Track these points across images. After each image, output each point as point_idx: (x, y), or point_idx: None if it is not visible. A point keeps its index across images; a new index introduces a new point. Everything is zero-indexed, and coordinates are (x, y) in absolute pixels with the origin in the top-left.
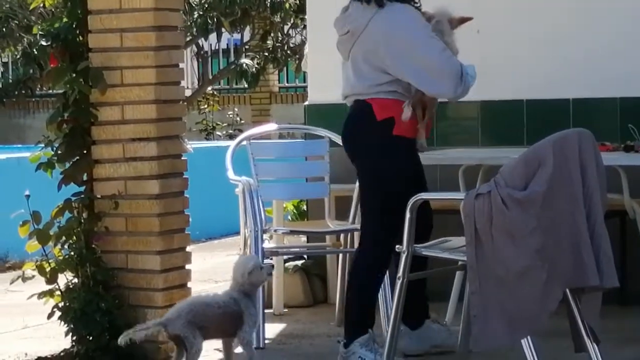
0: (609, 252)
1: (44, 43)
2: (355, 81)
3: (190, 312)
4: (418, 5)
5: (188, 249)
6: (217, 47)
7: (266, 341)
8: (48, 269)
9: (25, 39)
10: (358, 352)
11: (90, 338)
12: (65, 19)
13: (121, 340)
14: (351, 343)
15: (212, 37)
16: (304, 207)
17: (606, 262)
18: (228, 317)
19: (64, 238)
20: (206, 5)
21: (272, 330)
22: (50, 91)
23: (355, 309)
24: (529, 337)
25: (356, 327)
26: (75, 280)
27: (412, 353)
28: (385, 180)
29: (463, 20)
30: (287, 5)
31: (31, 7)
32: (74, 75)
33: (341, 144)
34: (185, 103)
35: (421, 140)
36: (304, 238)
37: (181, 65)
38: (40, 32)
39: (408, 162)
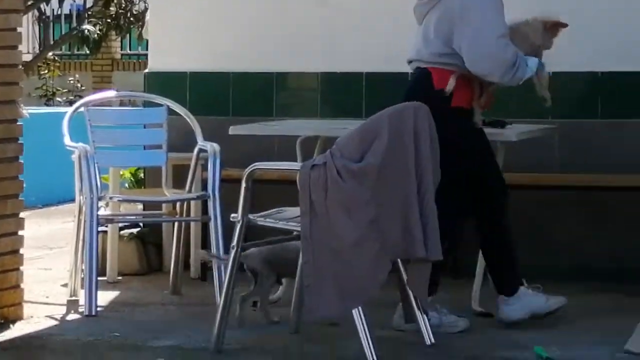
0: (437, 225)
1: None
2: (422, 47)
3: (270, 252)
4: None
5: (22, 215)
6: (59, 12)
7: (99, 308)
8: None
9: None
10: None
11: None
12: None
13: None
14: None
15: (54, 1)
16: (142, 175)
17: (433, 235)
18: None
19: None
20: None
21: (105, 297)
22: None
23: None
24: (360, 308)
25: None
26: None
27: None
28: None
29: (557, 24)
30: None
31: None
32: None
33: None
34: (23, 68)
35: (476, 115)
36: (140, 206)
37: (20, 29)
38: None
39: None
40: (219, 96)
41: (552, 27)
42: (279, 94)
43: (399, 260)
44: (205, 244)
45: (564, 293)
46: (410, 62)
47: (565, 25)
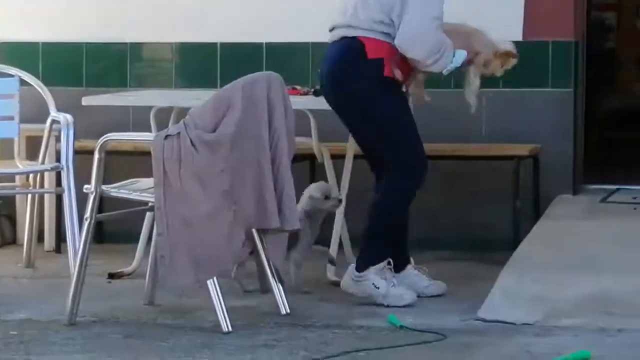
0: (293, 194)
1: None
2: (356, 12)
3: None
4: None
5: None
6: None
7: None
8: None
9: None
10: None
11: None
12: None
13: None
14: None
15: None
16: None
17: (289, 205)
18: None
19: None
20: None
21: None
22: None
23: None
24: (215, 278)
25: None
26: None
27: None
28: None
29: (508, 54)
30: None
31: None
32: None
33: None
34: None
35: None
36: None
37: None
38: None
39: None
40: (72, 67)
41: (502, 56)
42: (133, 65)
43: (254, 230)
44: (59, 216)
45: (417, 261)
46: (333, 29)
47: (515, 56)
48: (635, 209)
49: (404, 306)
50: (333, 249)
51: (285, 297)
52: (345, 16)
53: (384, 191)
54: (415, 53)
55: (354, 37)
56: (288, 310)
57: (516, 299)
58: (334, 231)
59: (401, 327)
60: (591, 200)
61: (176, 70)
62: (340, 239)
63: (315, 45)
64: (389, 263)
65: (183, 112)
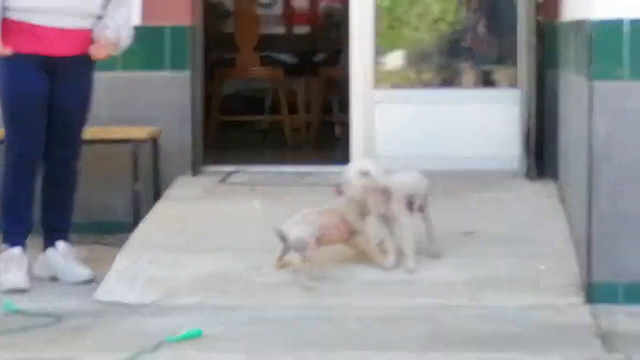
0: None
1: None
2: None
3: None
4: None
5: None
6: None
7: None
8: None
9: None
10: None
11: None
12: None
13: None
14: None
15: None
16: None
17: None
18: None
19: None
20: None
21: None
22: None
23: None
24: None
25: None
26: None
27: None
28: None
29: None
30: None
31: None
32: None
33: None
34: None
35: None
36: None
37: None
38: None
39: None
40: None
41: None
42: None
43: None
44: None
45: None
46: None
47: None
48: (252, 189)
49: (13, 291)
50: None
51: None
52: None
53: None
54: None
55: None
56: None
57: (132, 280)
58: None
59: (16, 311)
60: (210, 181)
61: None
62: None
63: None
64: None
65: None
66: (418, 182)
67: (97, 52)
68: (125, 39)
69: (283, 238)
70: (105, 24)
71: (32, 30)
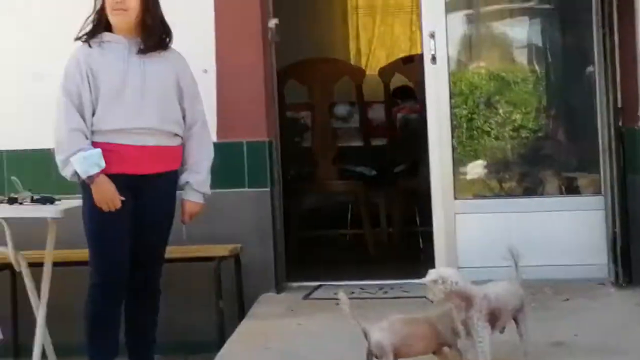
0: None
1: None
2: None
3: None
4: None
5: None
6: None
7: None
8: None
9: None
10: None
11: None
12: None
13: None
14: None
15: None
16: None
17: None
18: None
19: None
20: None
21: None
22: None
23: None
24: None
25: None
26: None
27: None
28: None
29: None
30: None
31: None
32: None
33: None
34: None
35: None
36: None
37: None
38: None
39: None
40: None
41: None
42: None
43: None
44: None
45: None
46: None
47: None
48: (337, 304)
49: None
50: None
51: None
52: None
53: None
54: None
55: None
56: None
57: None
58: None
59: None
60: (294, 297)
61: None
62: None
63: (10, 152)
64: None
65: None
66: (508, 294)
67: (187, 218)
68: (207, 179)
69: (366, 337)
70: (191, 168)
71: (116, 150)
